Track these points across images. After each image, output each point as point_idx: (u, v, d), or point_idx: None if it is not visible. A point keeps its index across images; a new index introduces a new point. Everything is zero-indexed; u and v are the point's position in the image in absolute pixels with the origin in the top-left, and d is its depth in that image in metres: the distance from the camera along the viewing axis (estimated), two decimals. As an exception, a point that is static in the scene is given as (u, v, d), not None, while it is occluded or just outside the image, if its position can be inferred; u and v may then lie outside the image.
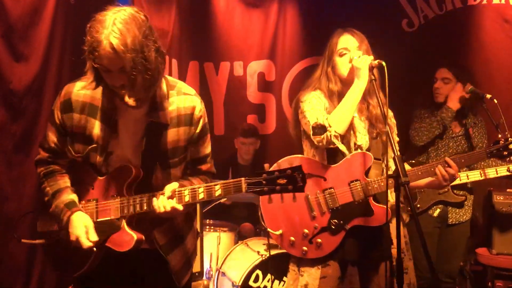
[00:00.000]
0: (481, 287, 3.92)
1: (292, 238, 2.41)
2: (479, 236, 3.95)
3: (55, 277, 3.75)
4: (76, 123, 1.93)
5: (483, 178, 3.09)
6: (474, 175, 3.08)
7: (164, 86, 1.92)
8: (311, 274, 2.42)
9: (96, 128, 1.92)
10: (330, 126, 2.31)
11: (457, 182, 3.04)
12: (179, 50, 4.81)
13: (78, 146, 1.96)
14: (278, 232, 2.45)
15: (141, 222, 1.96)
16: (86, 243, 1.88)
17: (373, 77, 2.28)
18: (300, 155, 2.48)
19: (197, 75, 4.98)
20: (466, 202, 3.23)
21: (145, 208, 1.90)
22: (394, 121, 2.55)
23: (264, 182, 1.82)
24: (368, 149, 2.40)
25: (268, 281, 3.49)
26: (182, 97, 1.95)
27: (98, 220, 1.97)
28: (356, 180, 2.34)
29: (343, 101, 2.35)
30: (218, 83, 5.01)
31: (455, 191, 3.17)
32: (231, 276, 3.60)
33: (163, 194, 1.87)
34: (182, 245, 2.09)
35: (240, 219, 4.41)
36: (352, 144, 2.41)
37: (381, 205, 2.33)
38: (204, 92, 4.98)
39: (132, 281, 2.04)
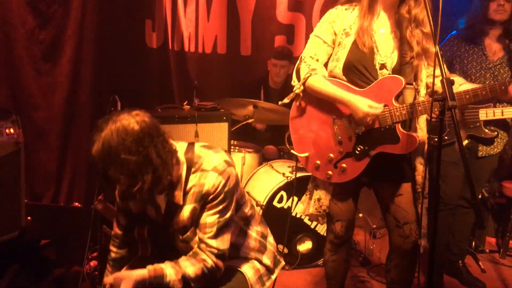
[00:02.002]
0: (502, 219, 3.94)
1: (318, 162, 2.40)
2: (505, 169, 3.91)
3: (84, 186, 3.85)
4: None
5: None
6: (510, 112, 2.96)
7: (183, 167, 1.97)
8: (325, 189, 2.46)
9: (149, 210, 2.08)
10: (303, 84, 2.31)
11: (489, 117, 2.96)
12: (206, -34, 4.59)
13: None
14: (304, 155, 2.44)
15: None
16: None
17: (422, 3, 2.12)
18: (330, 78, 2.38)
19: (224, -8, 4.79)
20: (497, 138, 3.13)
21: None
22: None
23: None
24: (397, 71, 2.28)
25: (292, 202, 3.52)
26: (198, 174, 1.97)
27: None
28: (384, 106, 2.25)
29: (332, 88, 2.27)
30: (246, 1, 4.81)
31: (487, 127, 3.06)
32: (255, 196, 3.64)
33: None
34: None
35: (264, 141, 4.40)
36: (376, 63, 2.28)
37: (409, 133, 2.25)
38: (231, 10, 4.80)
39: None
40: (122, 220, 2.17)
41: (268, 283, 2.20)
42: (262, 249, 2.22)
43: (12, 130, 2.72)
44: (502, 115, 2.94)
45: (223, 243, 1.97)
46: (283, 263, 2.33)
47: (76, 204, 3.68)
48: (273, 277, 2.25)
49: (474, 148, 3.13)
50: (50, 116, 3.55)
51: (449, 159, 3.00)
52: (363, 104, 2.20)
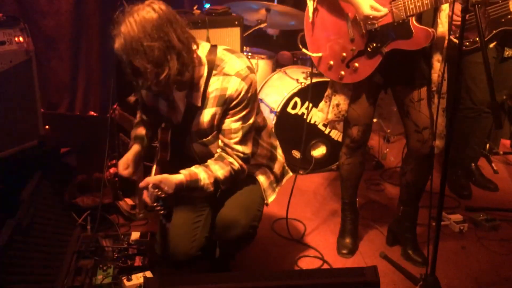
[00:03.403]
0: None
1: (331, 62, 2.37)
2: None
3: (98, 95, 3.86)
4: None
5: None
6: None
7: (204, 69, 1.96)
8: (344, 94, 2.46)
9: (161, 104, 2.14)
10: None
11: None
12: None
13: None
14: (317, 55, 2.41)
15: None
16: None
17: None
18: None
19: None
20: None
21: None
22: None
23: None
24: None
25: (306, 108, 3.51)
26: (221, 78, 1.96)
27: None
28: None
29: None
30: None
31: None
32: (269, 102, 3.63)
33: None
34: None
35: (278, 47, 4.31)
36: None
37: (424, 26, 2.15)
38: None
39: None
40: (146, 118, 2.26)
41: (277, 189, 2.31)
42: (273, 157, 2.30)
43: (21, 39, 2.67)
44: None
45: (247, 147, 2.06)
46: (290, 173, 2.42)
47: (92, 113, 3.72)
48: (281, 184, 2.35)
49: (502, 48, 3.04)
50: (59, 23, 3.47)
51: (481, 60, 2.90)
52: (365, 4, 2.13)
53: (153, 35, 1.75)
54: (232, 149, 2.02)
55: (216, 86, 1.97)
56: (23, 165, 2.65)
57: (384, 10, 2.13)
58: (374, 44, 2.24)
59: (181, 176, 1.93)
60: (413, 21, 2.15)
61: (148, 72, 1.77)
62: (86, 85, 3.79)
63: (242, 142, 2.03)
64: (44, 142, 2.84)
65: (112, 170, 3.11)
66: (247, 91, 1.95)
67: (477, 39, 2.91)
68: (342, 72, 2.36)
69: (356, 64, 2.31)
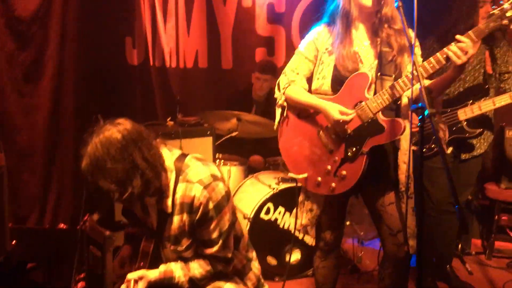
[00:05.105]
0: (486, 220, 4.00)
1: (319, 179, 2.40)
2: (487, 171, 3.97)
3: (69, 207, 3.81)
4: None
5: (495, 106, 2.99)
6: (486, 105, 3.00)
7: (172, 175, 2.01)
8: (316, 199, 2.49)
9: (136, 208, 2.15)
10: (283, 94, 2.41)
11: (469, 115, 3.00)
12: (185, -22, 4.63)
13: None
14: (303, 176, 2.45)
15: None
16: None
17: (400, 3, 2.17)
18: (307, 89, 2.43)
19: (204, 6, 4.81)
20: (480, 139, 3.17)
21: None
22: (420, 51, 2.46)
23: None
24: (379, 69, 2.32)
25: (279, 213, 3.53)
26: (184, 185, 2.01)
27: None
28: (360, 102, 2.29)
29: (307, 96, 2.36)
30: (225, 14, 4.84)
31: (471, 126, 3.10)
32: (242, 209, 3.64)
33: None
34: None
35: (249, 152, 4.41)
36: None
37: (391, 118, 2.27)
38: (211, 24, 4.83)
39: None
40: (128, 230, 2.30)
41: None
42: (247, 270, 2.27)
43: (-6, 155, 2.69)
44: (480, 110, 2.99)
45: (229, 250, 2.08)
46: (266, 286, 2.36)
47: (62, 225, 3.64)
48: None
49: (458, 153, 3.17)
50: (33, 137, 3.53)
51: (438, 165, 3.04)
52: (334, 110, 2.25)
53: (116, 157, 1.81)
54: (215, 257, 2.04)
55: (181, 193, 2.00)
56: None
57: (352, 113, 2.26)
58: (354, 148, 2.32)
59: (157, 272, 2.00)
60: (380, 116, 2.27)
61: (111, 191, 1.82)
62: (57, 197, 3.77)
63: (222, 249, 2.04)
64: (10, 258, 2.75)
65: (80, 284, 2.99)
66: (209, 199, 1.97)
67: (433, 145, 3.08)
68: (333, 184, 2.37)
69: (344, 172, 2.34)
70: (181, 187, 2.00)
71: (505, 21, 2.08)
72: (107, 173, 1.80)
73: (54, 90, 3.57)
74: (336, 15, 2.36)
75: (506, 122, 3.73)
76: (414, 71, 2.07)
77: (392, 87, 2.22)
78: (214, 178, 2.02)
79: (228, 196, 2.06)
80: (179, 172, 2.02)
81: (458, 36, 2.14)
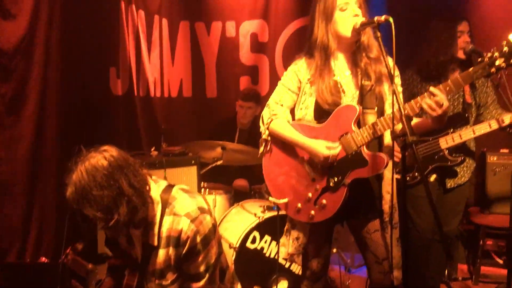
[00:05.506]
0: (472, 245, 4.01)
1: (299, 205, 2.41)
2: (471, 196, 4.00)
3: (51, 239, 3.74)
4: None
5: (475, 135, 3.04)
6: (467, 134, 3.05)
7: (158, 207, 1.98)
8: (302, 227, 2.48)
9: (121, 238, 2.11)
10: (267, 129, 2.41)
11: (450, 144, 3.04)
12: (169, 9, 4.69)
13: None
14: (283, 200, 2.45)
15: None
16: None
17: (378, 34, 2.21)
18: (291, 121, 2.45)
19: (188, 35, 4.88)
20: (462, 167, 3.20)
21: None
22: (400, 81, 2.49)
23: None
24: (361, 102, 2.34)
25: (265, 242, 3.50)
26: (171, 218, 1.98)
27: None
28: (346, 133, 2.30)
29: (291, 132, 2.36)
30: (209, 44, 4.91)
31: (452, 154, 3.14)
32: (228, 238, 3.61)
33: None
34: None
35: (234, 179, 4.40)
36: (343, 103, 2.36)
37: (375, 153, 2.29)
38: (196, 53, 4.89)
39: None
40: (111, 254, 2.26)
41: None
42: None
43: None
44: (461, 139, 3.03)
45: (215, 284, 2.06)
46: None
47: (43, 259, 3.56)
48: None
49: (443, 181, 3.19)
50: (14, 169, 3.47)
51: (422, 194, 3.05)
52: (321, 147, 2.27)
53: (102, 184, 1.78)
54: None
55: (167, 226, 1.98)
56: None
57: (338, 146, 2.28)
58: (336, 179, 2.32)
59: None
60: (364, 150, 2.28)
61: (97, 219, 1.79)
62: (39, 230, 3.69)
63: (209, 283, 2.02)
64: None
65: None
66: (196, 232, 1.95)
67: (416, 174, 3.10)
68: (312, 212, 2.38)
69: (324, 201, 2.35)
70: (167, 219, 1.98)
71: (493, 69, 2.12)
72: (93, 200, 1.77)
73: (37, 121, 3.54)
74: (314, 48, 2.38)
75: (487, 147, 3.78)
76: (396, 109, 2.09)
77: (374, 125, 2.24)
78: (202, 211, 2.00)
79: (214, 229, 2.05)
80: (165, 204, 1.99)
81: (432, 89, 2.15)
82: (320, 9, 2.35)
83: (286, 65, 2.56)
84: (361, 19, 2.27)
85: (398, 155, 2.35)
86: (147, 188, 1.94)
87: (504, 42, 2.09)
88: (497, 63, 2.11)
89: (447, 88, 2.15)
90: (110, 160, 1.83)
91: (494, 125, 2.96)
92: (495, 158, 3.79)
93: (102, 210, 1.79)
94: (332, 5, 2.31)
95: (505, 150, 3.79)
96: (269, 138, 2.46)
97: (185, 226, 1.94)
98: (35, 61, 3.34)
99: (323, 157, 2.27)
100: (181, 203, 2.00)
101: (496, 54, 2.10)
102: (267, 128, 2.43)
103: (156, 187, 2.02)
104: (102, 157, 1.84)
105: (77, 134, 3.83)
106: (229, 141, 3.91)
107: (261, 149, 2.51)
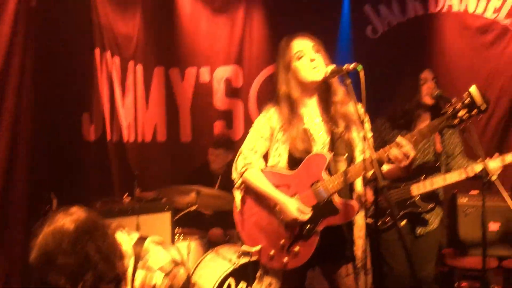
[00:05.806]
0: (447, 286, 4.01)
1: (272, 252, 2.40)
2: (444, 238, 4.02)
3: (19, 278, 3.58)
4: None
5: (446, 183, 3.09)
6: (438, 182, 3.10)
7: (130, 261, 1.93)
8: (275, 273, 2.45)
9: None
10: (240, 176, 2.42)
11: (421, 190, 3.08)
12: (144, 55, 4.74)
13: None
14: (256, 248, 2.44)
15: None
16: None
17: (348, 81, 2.26)
18: (264, 168, 2.46)
19: (162, 81, 4.92)
20: (432, 214, 3.22)
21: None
22: (369, 125, 2.54)
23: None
24: (331, 149, 2.38)
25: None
26: (144, 273, 1.93)
27: None
28: (317, 181, 2.32)
29: (265, 185, 2.38)
30: (184, 89, 4.96)
31: (423, 201, 3.16)
32: (203, 286, 3.53)
33: None
34: None
35: (209, 225, 4.34)
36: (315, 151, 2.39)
37: (346, 201, 2.30)
38: (170, 98, 4.92)
39: None
40: None
41: None
42: None
43: None
44: (432, 186, 3.07)
45: None
46: None
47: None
48: None
49: (413, 227, 3.21)
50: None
51: (395, 237, 3.05)
52: (293, 208, 2.29)
53: (68, 250, 1.71)
54: None
55: (140, 281, 1.92)
56: None
57: (308, 212, 2.29)
58: (308, 226, 2.32)
59: None
60: (335, 198, 2.30)
61: (61, 286, 1.72)
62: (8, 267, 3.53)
63: None
64: None
65: None
66: (170, 287, 1.91)
67: (387, 219, 3.12)
68: (285, 259, 2.37)
69: (296, 249, 2.35)
70: (140, 274, 1.93)
71: (456, 121, 2.17)
72: (57, 267, 1.70)
73: (5, 170, 3.46)
74: (280, 99, 2.42)
75: (458, 189, 3.84)
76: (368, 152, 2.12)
77: (345, 173, 2.26)
78: (175, 263, 1.96)
79: (188, 281, 2.02)
80: (138, 257, 1.94)
81: (399, 139, 2.18)
82: (281, 62, 2.44)
83: (260, 110, 2.57)
84: (331, 67, 2.33)
85: (370, 199, 2.38)
86: (117, 251, 1.88)
87: (466, 94, 2.13)
88: (459, 114, 2.15)
89: (414, 139, 2.19)
90: (77, 224, 1.77)
91: (464, 175, 3.03)
92: (465, 200, 3.84)
93: (67, 278, 1.72)
94: (289, 56, 2.41)
95: (475, 192, 3.85)
96: (242, 186, 2.46)
97: (158, 280, 1.90)
98: (6, 107, 3.30)
99: (291, 218, 2.29)
100: (154, 256, 1.95)
101: (459, 105, 2.15)
102: (241, 177, 2.43)
103: (128, 240, 1.97)
104: (69, 220, 1.77)
105: (47, 181, 3.76)
106: (207, 186, 3.88)
107: (237, 200, 2.50)
